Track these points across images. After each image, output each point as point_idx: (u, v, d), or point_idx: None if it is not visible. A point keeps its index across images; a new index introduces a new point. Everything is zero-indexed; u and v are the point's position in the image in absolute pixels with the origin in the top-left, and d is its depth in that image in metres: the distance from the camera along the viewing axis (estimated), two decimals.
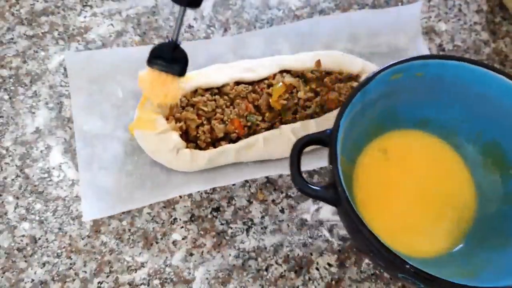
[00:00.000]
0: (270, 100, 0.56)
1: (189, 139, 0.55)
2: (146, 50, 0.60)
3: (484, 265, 0.45)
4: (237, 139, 0.55)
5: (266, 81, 0.58)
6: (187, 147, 0.55)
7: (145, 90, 0.53)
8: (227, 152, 0.54)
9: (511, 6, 0.67)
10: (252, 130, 0.56)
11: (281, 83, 0.56)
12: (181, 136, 0.55)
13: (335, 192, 0.40)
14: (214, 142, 0.55)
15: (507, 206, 0.48)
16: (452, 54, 0.66)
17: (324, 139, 0.43)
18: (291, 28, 0.64)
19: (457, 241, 0.49)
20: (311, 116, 0.57)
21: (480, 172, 0.51)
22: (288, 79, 0.57)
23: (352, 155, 0.50)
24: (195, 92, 0.57)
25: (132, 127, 0.56)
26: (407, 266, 0.37)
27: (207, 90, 0.57)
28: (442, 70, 0.46)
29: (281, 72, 0.58)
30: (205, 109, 0.55)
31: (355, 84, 0.58)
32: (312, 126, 0.56)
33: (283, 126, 0.55)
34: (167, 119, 0.55)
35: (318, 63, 0.58)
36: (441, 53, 0.66)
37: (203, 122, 0.55)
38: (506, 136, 0.48)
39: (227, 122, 0.55)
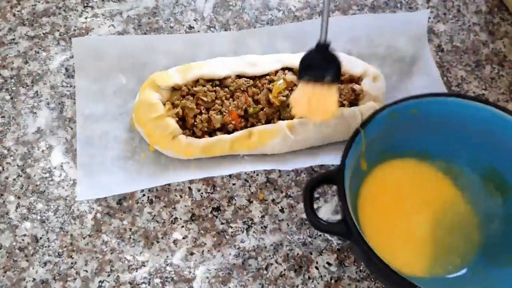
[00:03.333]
0: (270, 96, 0.57)
1: (186, 127, 0.56)
2: (151, 38, 0.62)
3: (494, 284, 0.47)
4: (234, 131, 0.56)
5: (267, 77, 0.58)
6: (183, 134, 0.55)
7: (301, 111, 0.51)
8: (222, 141, 0.55)
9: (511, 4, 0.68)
10: (249, 123, 0.57)
11: (282, 81, 0.57)
12: (178, 123, 0.55)
13: (347, 227, 0.43)
14: (211, 132, 0.56)
15: (510, 226, 0.50)
16: (451, 55, 0.66)
17: (331, 177, 0.46)
18: (291, 28, 0.65)
19: (463, 264, 0.50)
20: None
21: (481, 196, 0.52)
22: (290, 76, 0.58)
23: (356, 186, 0.52)
24: (196, 82, 0.58)
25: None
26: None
27: (208, 81, 0.58)
28: (434, 107, 0.49)
29: (283, 69, 0.59)
30: (205, 99, 0.56)
31: (356, 86, 0.58)
32: (309, 124, 0.56)
33: (280, 121, 0.56)
34: (165, 104, 0.56)
35: None
36: (439, 53, 0.66)
37: (202, 111, 0.56)
38: (504, 163, 0.50)
39: (225, 113, 0.56)
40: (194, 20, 0.67)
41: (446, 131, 0.51)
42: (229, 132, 0.56)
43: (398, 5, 0.69)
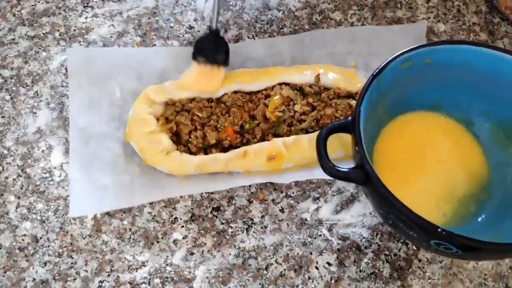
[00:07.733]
0: (266, 111, 0.56)
1: (181, 142, 0.56)
2: (146, 51, 0.62)
3: (509, 233, 0.47)
4: (229, 147, 0.56)
5: (264, 92, 0.58)
6: (177, 150, 0.55)
7: (190, 85, 0.57)
8: (217, 160, 0.54)
9: (507, 12, 0.68)
10: (245, 140, 0.56)
11: (278, 96, 0.57)
12: (172, 138, 0.55)
13: (364, 171, 0.43)
14: (206, 148, 0.56)
15: None
16: None
17: (346, 126, 0.46)
18: (291, 39, 0.65)
19: (478, 212, 0.51)
20: (306, 131, 0.57)
21: (493, 146, 0.53)
22: (286, 91, 0.58)
23: (370, 141, 0.52)
24: (193, 99, 0.57)
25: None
26: (439, 230, 0.39)
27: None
28: (449, 55, 0.49)
29: (280, 84, 0.59)
30: (200, 115, 0.56)
31: (353, 102, 0.58)
32: (305, 142, 0.55)
33: (275, 139, 0.56)
34: (158, 120, 0.56)
35: (317, 78, 0.59)
36: None
37: (197, 127, 0.56)
38: None
39: (220, 129, 0.55)
40: (194, 20, 0.67)
41: (459, 82, 0.51)
42: (224, 148, 0.56)
43: (398, 5, 0.69)
